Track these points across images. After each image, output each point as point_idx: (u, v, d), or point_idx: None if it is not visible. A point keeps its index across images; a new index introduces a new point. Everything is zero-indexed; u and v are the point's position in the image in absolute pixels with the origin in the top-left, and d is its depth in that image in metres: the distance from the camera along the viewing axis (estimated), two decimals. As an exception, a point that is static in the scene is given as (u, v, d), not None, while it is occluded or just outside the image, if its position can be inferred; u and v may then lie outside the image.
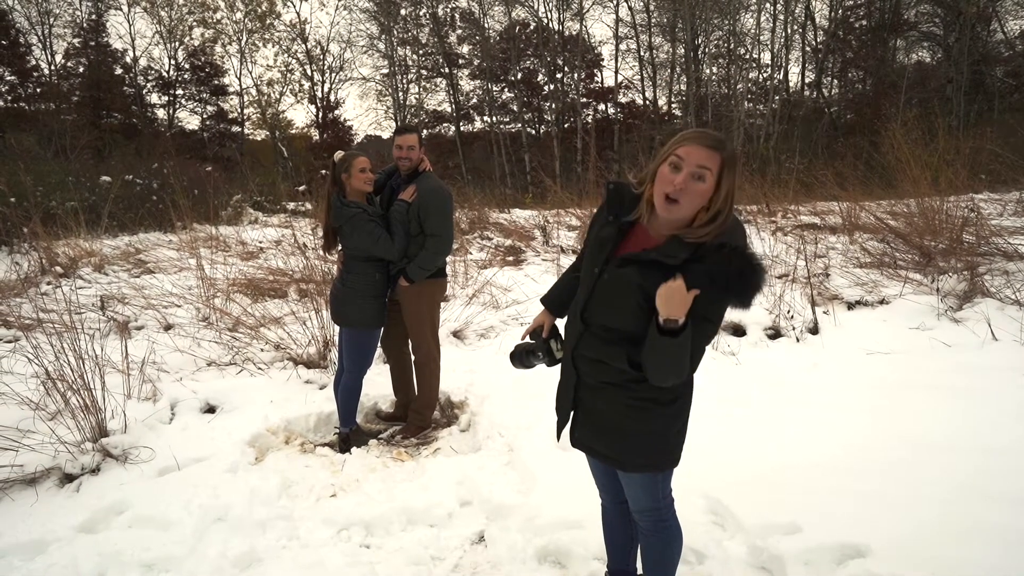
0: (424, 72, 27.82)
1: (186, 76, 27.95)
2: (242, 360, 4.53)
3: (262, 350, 4.67)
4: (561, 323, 2.10)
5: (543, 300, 2.17)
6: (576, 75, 26.44)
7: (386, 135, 26.24)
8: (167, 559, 2.46)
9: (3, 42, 23.89)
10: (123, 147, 18.70)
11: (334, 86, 28.34)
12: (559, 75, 26.70)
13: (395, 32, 26.54)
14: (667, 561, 1.97)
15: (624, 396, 1.77)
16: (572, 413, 1.93)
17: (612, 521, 2.15)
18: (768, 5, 23.36)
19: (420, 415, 3.82)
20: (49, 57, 25.44)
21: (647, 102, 26.39)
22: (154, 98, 28.04)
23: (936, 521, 2.42)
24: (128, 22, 26.89)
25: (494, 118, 26.92)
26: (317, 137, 28.20)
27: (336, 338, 4.06)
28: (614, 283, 1.71)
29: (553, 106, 26.90)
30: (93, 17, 26.04)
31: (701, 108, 23.16)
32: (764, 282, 1.57)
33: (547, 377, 2.21)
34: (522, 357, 2.10)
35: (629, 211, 1.76)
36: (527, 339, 2.15)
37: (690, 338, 1.56)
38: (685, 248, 1.59)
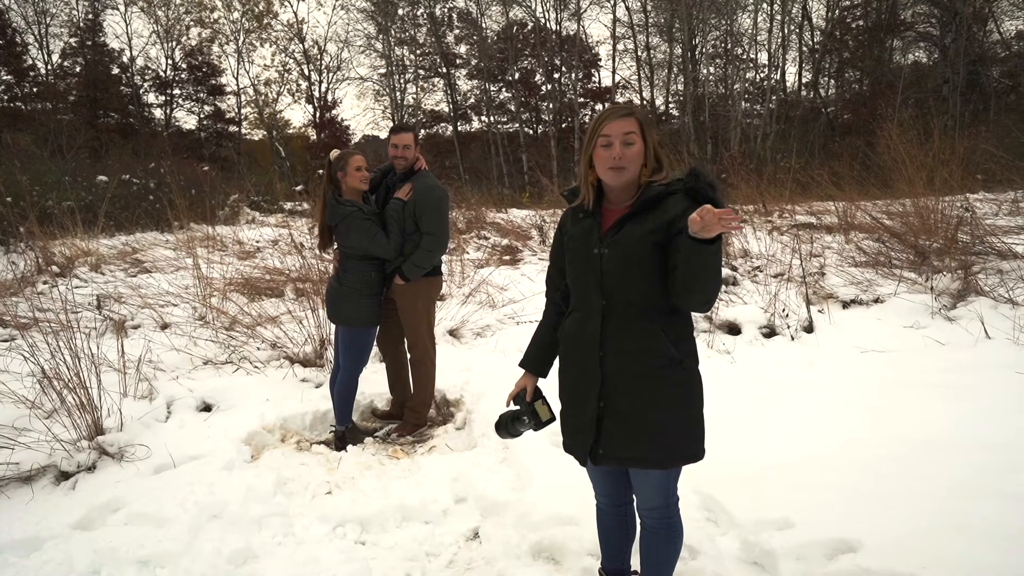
0: (421, 72, 27.85)
1: (183, 76, 27.94)
2: (238, 359, 4.54)
3: (258, 349, 4.68)
4: (543, 383, 2.07)
5: (522, 363, 2.10)
6: (574, 75, 26.48)
7: (383, 135, 26.24)
8: (162, 556, 2.47)
9: (0, 42, 23.84)
10: (120, 147, 18.66)
11: (331, 86, 28.36)
12: (556, 75, 26.73)
13: (392, 32, 26.55)
14: (668, 559, 1.98)
15: (659, 388, 1.77)
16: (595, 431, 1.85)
17: (609, 523, 2.15)
18: (765, 5, 23.44)
19: (416, 413, 3.82)
20: (46, 56, 25.45)
21: (645, 102, 26.41)
22: (151, 98, 28.06)
23: (929, 517, 2.43)
24: (125, 22, 27.07)
25: (491, 118, 26.93)
26: (314, 137, 28.19)
27: (332, 336, 4.07)
28: (621, 247, 1.77)
29: (551, 106, 26.93)
30: (90, 16, 26.02)
31: (698, 108, 23.19)
32: (724, 197, 1.76)
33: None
34: (507, 426, 2.03)
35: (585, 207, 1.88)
36: (511, 405, 2.07)
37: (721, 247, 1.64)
38: (657, 189, 1.77)
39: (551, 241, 8.80)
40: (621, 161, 1.75)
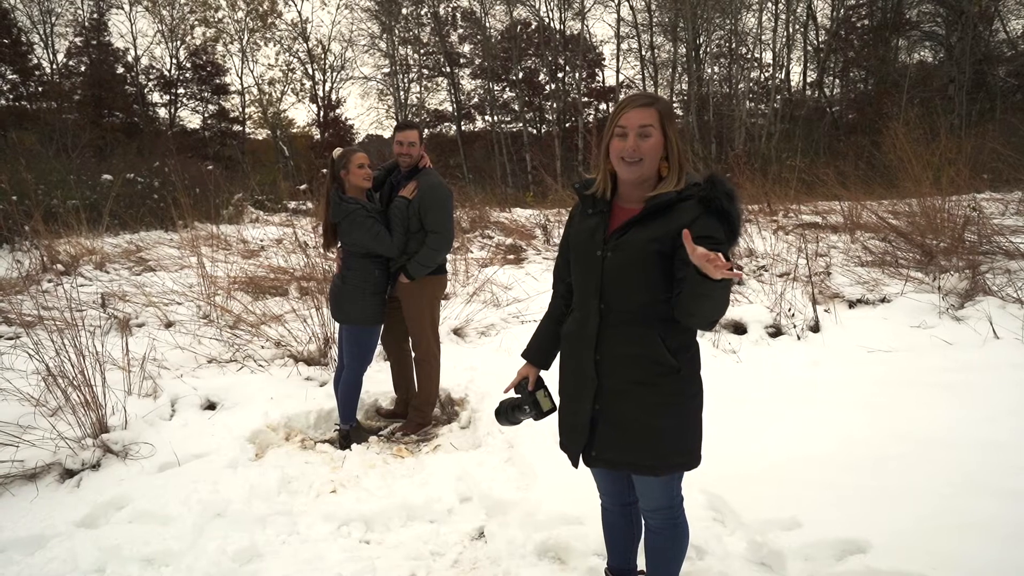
0: (425, 71, 27.87)
1: (187, 75, 28.03)
2: (243, 357, 4.54)
3: (263, 347, 4.68)
4: (545, 375, 2.06)
5: (524, 354, 2.09)
6: (577, 74, 26.49)
7: (387, 134, 26.27)
8: (166, 554, 2.46)
9: (5, 41, 23.96)
10: (124, 146, 18.73)
11: (335, 85, 28.42)
12: (560, 74, 26.72)
13: (396, 31, 26.57)
14: (675, 558, 1.97)
15: (654, 394, 1.75)
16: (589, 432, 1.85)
17: (613, 523, 2.14)
18: (770, 4, 23.36)
19: (420, 412, 3.82)
20: (51, 56, 25.56)
21: (648, 101, 26.35)
22: (155, 97, 28.21)
23: (936, 516, 2.41)
24: (130, 21, 27.23)
25: (495, 117, 26.94)
26: (318, 136, 28.24)
27: (336, 335, 4.06)
28: (624, 252, 1.73)
29: (554, 105, 26.92)
30: (95, 16, 26.14)
31: (703, 107, 23.13)
32: (742, 209, 1.72)
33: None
34: (507, 413, 2.03)
35: (597, 201, 1.84)
36: (512, 393, 2.07)
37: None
38: (668, 196, 1.70)
39: (555, 240, 8.81)
40: (636, 154, 1.69)
